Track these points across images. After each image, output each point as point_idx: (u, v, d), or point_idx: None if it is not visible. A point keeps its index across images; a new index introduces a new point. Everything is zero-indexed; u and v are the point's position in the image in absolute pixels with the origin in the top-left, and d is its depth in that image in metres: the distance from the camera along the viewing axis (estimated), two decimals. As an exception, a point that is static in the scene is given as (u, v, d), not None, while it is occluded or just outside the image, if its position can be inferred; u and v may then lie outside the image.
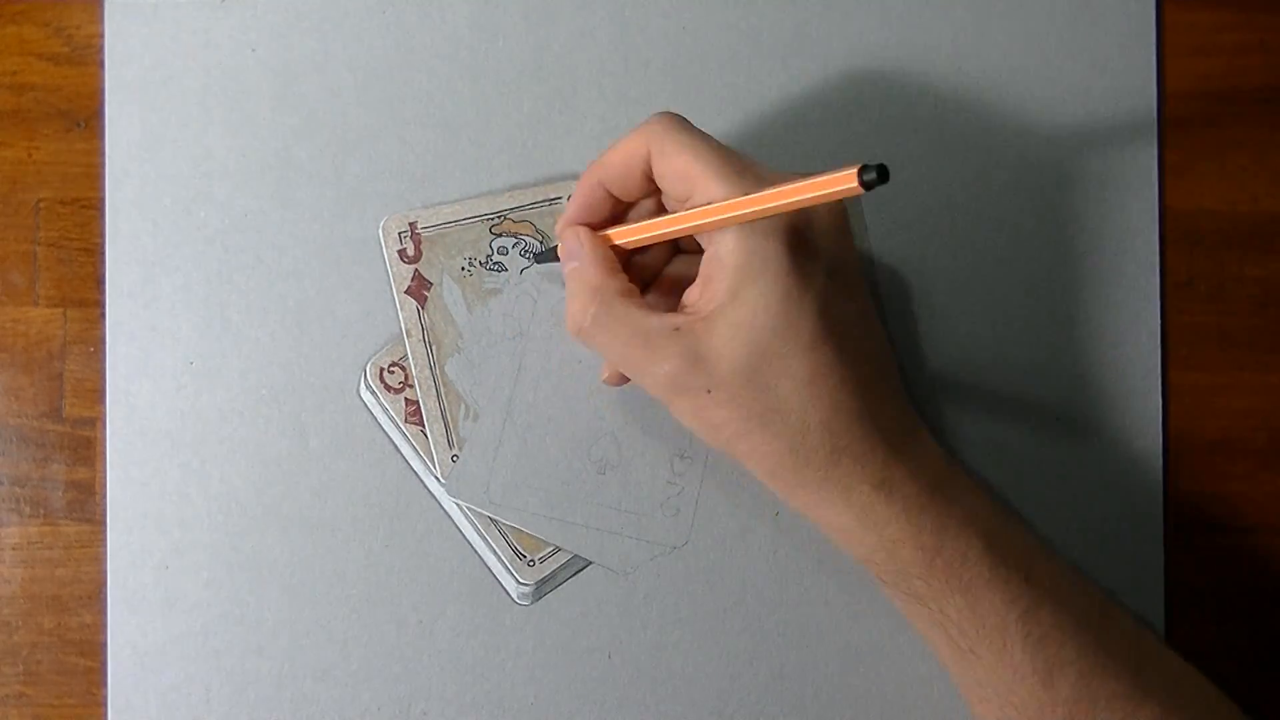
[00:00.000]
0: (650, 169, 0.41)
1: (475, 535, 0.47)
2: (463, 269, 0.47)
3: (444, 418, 0.47)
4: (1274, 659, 0.48)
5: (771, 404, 0.39)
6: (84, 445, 0.47)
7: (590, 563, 0.47)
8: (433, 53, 0.48)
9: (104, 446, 0.47)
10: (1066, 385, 0.48)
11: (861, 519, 0.40)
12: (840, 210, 0.41)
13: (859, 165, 0.35)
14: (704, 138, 0.40)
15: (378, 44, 0.48)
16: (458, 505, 0.47)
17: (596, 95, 0.48)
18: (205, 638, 0.47)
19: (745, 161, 0.40)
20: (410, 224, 0.47)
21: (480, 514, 0.47)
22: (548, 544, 0.47)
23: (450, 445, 0.47)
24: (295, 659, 0.47)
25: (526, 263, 0.48)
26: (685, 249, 0.44)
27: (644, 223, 0.42)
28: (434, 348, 0.47)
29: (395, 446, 0.47)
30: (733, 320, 0.39)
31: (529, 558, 0.47)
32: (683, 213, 0.40)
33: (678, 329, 0.39)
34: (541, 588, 0.47)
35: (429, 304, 0.47)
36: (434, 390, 0.47)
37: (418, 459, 0.47)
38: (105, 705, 0.47)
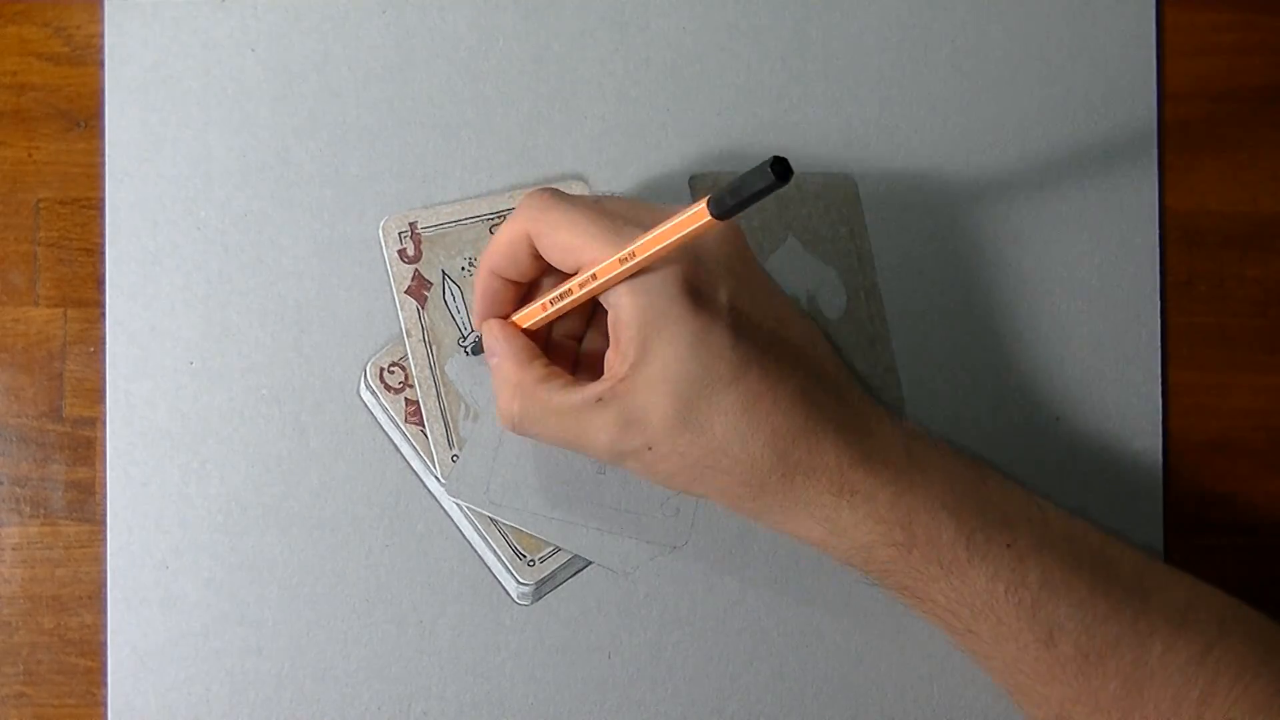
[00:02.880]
0: (533, 250, 0.41)
1: (475, 535, 0.47)
2: (463, 269, 0.47)
3: (444, 418, 0.47)
4: (1274, 659, 0.48)
5: (712, 445, 0.39)
6: (84, 445, 0.47)
7: (590, 563, 0.47)
8: (433, 53, 0.48)
9: (104, 446, 0.47)
10: (1066, 385, 0.48)
11: (830, 529, 0.41)
12: (730, 233, 0.41)
13: (707, 197, 0.36)
14: (578, 206, 0.40)
15: (378, 44, 0.48)
16: (458, 505, 0.47)
17: (596, 95, 0.48)
18: (205, 638, 0.47)
19: (624, 216, 0.40)
20: (410, 224, 0.47)
21: (480, 514, 0.47)
22: (548, 544, 0.47)
23: (450, 445, 0.47)
24: (295, 659, 0.47)
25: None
26: (597, 317, 0.45)
27: (534, 305, 0.43)
28: (434, 348, 0.47)
29: (395, 446, 0.47)
30: (649, 377, 0.39)
31: (529, 558, 0.47)
32: (563, 288, 0.41)
33: (600, 399, 0.40)
34: (541, 588, 0.47)
35: (429, 304, 0.47)
36: (434, 390, 0.47)
37: (418, 459, 0.47)
38: (105, 705, 0.47)
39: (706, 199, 0.36)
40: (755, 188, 0.34)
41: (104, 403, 0.47)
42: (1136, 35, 0.49)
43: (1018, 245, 0.49)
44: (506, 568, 0.47)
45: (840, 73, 0.49)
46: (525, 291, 0.44)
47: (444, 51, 0.48)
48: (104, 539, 0.47)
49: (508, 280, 0.43)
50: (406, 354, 0.47)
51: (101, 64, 0.48)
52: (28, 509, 0.47)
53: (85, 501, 0.47)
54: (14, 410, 0.47)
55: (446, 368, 0.47)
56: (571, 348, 0.45)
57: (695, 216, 0.36)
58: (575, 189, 0.48)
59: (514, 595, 0.47)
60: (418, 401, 0.47)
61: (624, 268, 0.39)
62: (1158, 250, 0.49)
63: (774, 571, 0.48)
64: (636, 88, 0.48)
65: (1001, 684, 0.42)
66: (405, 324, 0.47)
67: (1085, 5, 0.49)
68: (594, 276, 0.40)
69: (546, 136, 0.48)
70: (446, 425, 0.47)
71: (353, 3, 0.48)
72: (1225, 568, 0.48)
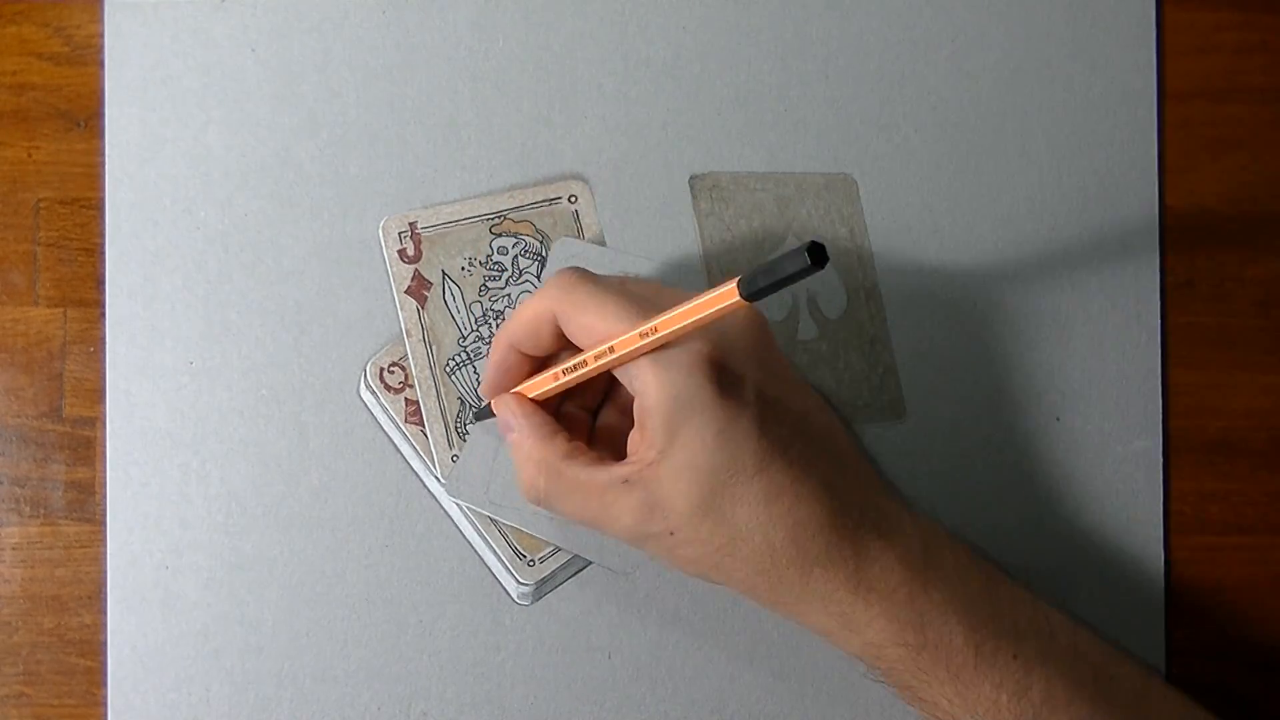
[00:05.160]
0: (556, 329, 0.41)
1: (475, 535, 0.47)
2: (463, 269, 0.47)
3: (444, 418, 0.47)
4: (1274, 660, 0.48)
5: (733, 533, 0.39)
6: (84, 445, 0.47)
7: (590, 563, 0.47)
8: (433, 53, 0.48)
9: (104, 446, 0.47)
10: (1067, 385, 0.48)
11: (843, 624, 0.41)
12: (756, 321, 0.41)
13: (738, 278, 0.35)
14: (604, 287, 0.40)
15: (378, 44, 0.48)
16: (458, 505, 0.47)
17: (596, 95, 0.48)
18: (205, 638, 0.47)
19: (652, 300, 0.40)
20: (410, 224, 0.47)
21: (480, 514, 0.47)
22: (548, 544, 0.47)
23: (450, 445, 0.47)
24: (295, 659, 0.47)
25: (529, 263, 0.48)
26: (615, 391, 0.44)
27: (546, 374, 0.42)
28: (434, 348, 0.47)
29: (395, 446, 0.47)
30: (675, 464, 0.39)
31: (529, 558, 0.47)
32: (577, 359, 0.41)
33: (627, 481, 0.40)
34: (541, 588, 0.47)
35: (429, 304, 0.47)
36: (434, 390, 0.47)
37: (418, 459, 0.47)
38: (105, 705, 0.47)
39: (737, 280, 0.36)
40: (789, 271, 0.34)
41: (104, 403, 0.47)
42: (1136, 35, 0.49)
43: (1017, 245, 0.49)
44: (506, 568, 0.47)
45: (840, 73, 0.49)
46: (539, 365, 0.44)
47: (444, 51, 0.48)
48: (104, 539, 0.47)
49: (523, 356, 0.43)
50: (406, 354, 0.47)
51: (101, 64, 0.48)
52: (28, 509, 0.47)
53: (85, 501, 0.47)
54: (14, 410, 0.47)
55: (447, 367, 0.47)
56: (584, 420, 0.44)
57: (723, 296, 0.36)
58: (575, 189, 0.48)
59: (514, 595, 0.47)
60: (418, 401, 0.47)
61: (644, 342, 0.38)
62: (1158, 250, 0.49)
63: (774, 571, 0.48)
64: (636, 88, 0.48)
65: None
66: (405, 324, 0.47)
67: (1085, 5, 0.49)
68: (611, 350, 0.39)
69: (546, 136, 0.48)
70: (446, 425, 0.47)
71: (353, 3, 0.48)
72: (1225, 568, 0.48)
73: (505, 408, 0.43)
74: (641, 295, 0.40)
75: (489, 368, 0.44)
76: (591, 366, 0.40)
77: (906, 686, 0.41)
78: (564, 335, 0.41)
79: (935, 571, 0.41)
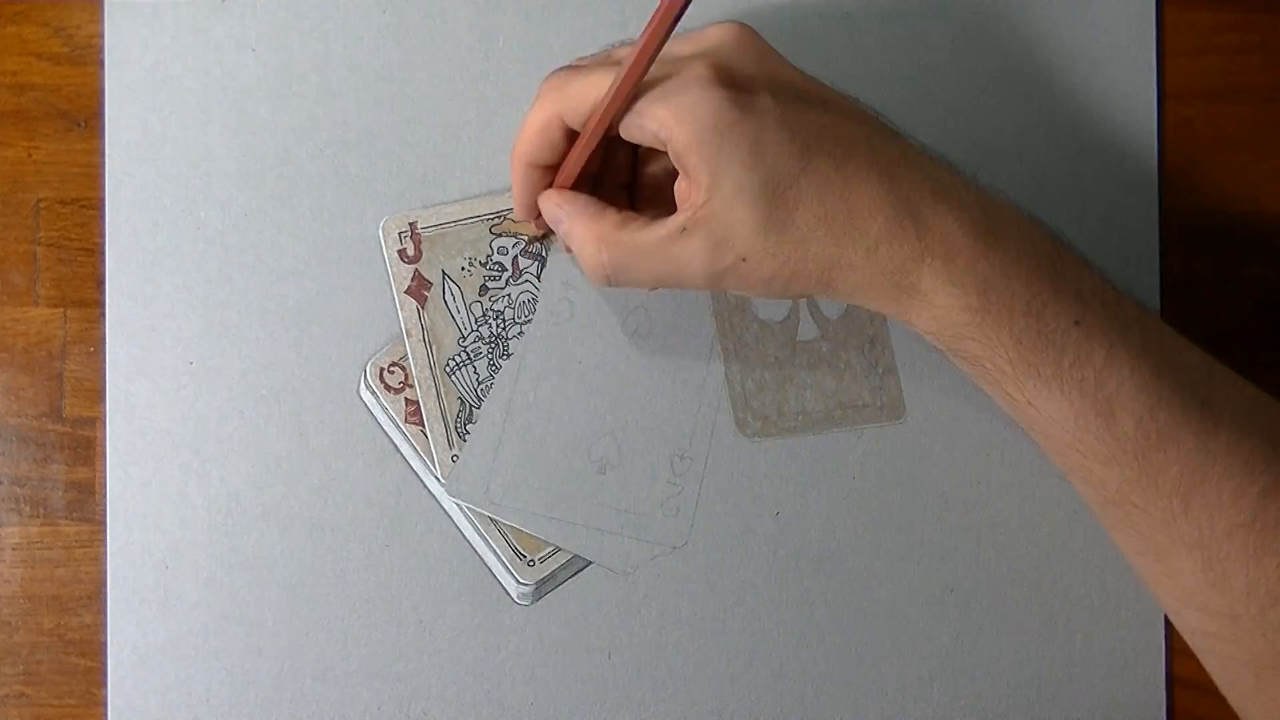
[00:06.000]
0: (566, 129, 0.42)
1: (475, 535, 0.47)
2: (463, 269, 0.47)
3: (444, 418, 0.47)
4: (1274, 659, 0.48)
5: (800, 237, 0.40)
6: (84, 445, 0.47)
7: (590, 563, 0.47)
8: (433, 53, 0.48)
9: (104, 446, 0.47)
10: (1066, 385, 0.48)
11: (912, 297, 0.41)
12: (743, 32, 0.42)
13: None
14: (591, 68, 0.41)
15: (378, 44, 0.48)
16: (458, 505, 0.47)
17: (596, 95, 0.48)
18: (205, 638, 0.47)
19: None
20: (410, 224, 0.48)
21: (480, 514, 0.47)
22: (548, 544, 0.47)
23: (450, 445, 0.47)
24: (295, 659, 0.47)
25: (529, 263, 0.48)
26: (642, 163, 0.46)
27: (570, 156, 0.43)
28: (434, 348, 0.47)
29: (395, 446, 0.47)
30: (726, 194, 0.40)
31: (529, 558, 0.47)
32: (591, 119, 0.41)
33: (686, 228, 0.40)
34: (541, 588, 0.47)
35: (429, 304, 0.47)
36: (434, 390, 0.47)
37: (418, 459, 0.47)
38: (105, 705, 0.47)
39: None
40: None
41: (104, 403, 0.47)
42: (1136, 35, 0.49)
43: (1018, 245, 0.49)
44: (506, 568, 0.47)
45: (840, 73, 0.49)
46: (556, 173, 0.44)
47: (444, 51, 0.48)
48: (104, 539, 0.47)
49: (544, 168, 0.43)
50: (406, 354, 0.47)
51: (101, 64, 0.48)
52: (28, 509, 0.47)
53: (85, 501, 0.47)
54: (14, 410, 0.47)
55: (447, 368, 0.47)
56: (622, 199, 0.45)
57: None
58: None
59: (514, 595, 0.47)
60: (418, 401, 0.47)
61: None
62: (1158, 250, 0.49)
63: (774, 571, 0.48)
64: (636, 88, 0.48)
65: (1059, 464, 0.42)
66: (405, 324, 0.47)
67: (1085, 5, 0.49)
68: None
69: (546, 136, 0.48)
70: (446, 425, 0.47)
71: (353, 3, 0.48)
72: (1225, 568, 0.48)
73: (550, 201, 0.44)
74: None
75: (515, 193, 0.44)
76: (596, 124, 0.41)
77: (969, 356, 0.41)
78: (570, 137, 0.42)
79: (996, 236, 0.41)
